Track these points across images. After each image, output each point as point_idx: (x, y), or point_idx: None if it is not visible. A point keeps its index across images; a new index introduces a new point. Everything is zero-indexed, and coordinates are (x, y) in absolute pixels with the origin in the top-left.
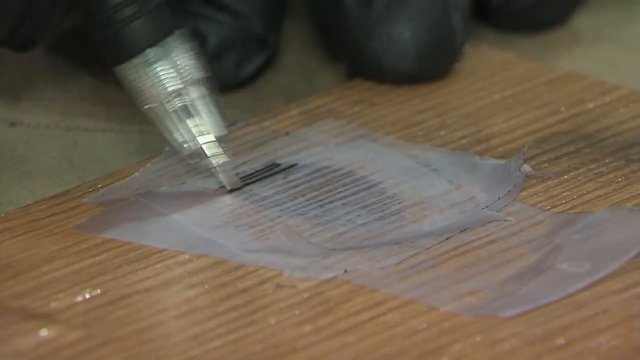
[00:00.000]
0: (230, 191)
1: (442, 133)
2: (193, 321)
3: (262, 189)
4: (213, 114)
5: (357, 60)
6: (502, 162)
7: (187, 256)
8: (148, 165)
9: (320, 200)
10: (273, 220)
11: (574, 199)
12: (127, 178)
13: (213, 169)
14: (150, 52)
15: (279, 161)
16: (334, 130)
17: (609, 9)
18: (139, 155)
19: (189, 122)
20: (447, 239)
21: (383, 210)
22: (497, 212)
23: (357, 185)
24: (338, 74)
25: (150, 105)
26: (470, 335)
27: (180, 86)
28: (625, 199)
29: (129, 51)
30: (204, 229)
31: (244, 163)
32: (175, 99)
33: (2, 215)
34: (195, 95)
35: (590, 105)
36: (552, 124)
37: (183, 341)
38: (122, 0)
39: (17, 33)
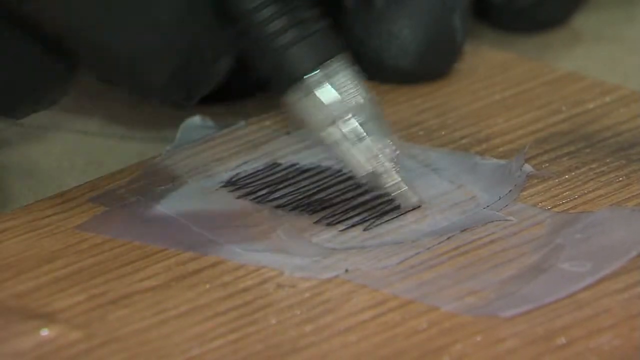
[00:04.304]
0: (406, 212)
1: (442, 133)
2: (194, 321)
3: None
4: (383, 135)
5: (357, 58)
6: (502, 162)
7: (187, 256)
8: (149, 165)
9: (322, 200)
10: (274, 220)
11: (575, 198)
12: (128, 178)
13: (389, 189)
14: (313, 77)
15: (279, 161)
16: None
17: (609, 9)
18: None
19: (360, 145)
20: (448, 238)
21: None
22: (498, 211)
23: (357, 185)
24: None
25: (321, 132)
26: (471, 335)
27: (347, 109)
28: (626, 198)
29: (291, 78)
30: (204, 228)
31: (244, 163)
32: (344, 123)
33: (2, 215)
34: (364, 118)
35: (591, 106)
36: (552, 124)
37: (184, 341)
38: (278, 28)
39: (175, 84)
